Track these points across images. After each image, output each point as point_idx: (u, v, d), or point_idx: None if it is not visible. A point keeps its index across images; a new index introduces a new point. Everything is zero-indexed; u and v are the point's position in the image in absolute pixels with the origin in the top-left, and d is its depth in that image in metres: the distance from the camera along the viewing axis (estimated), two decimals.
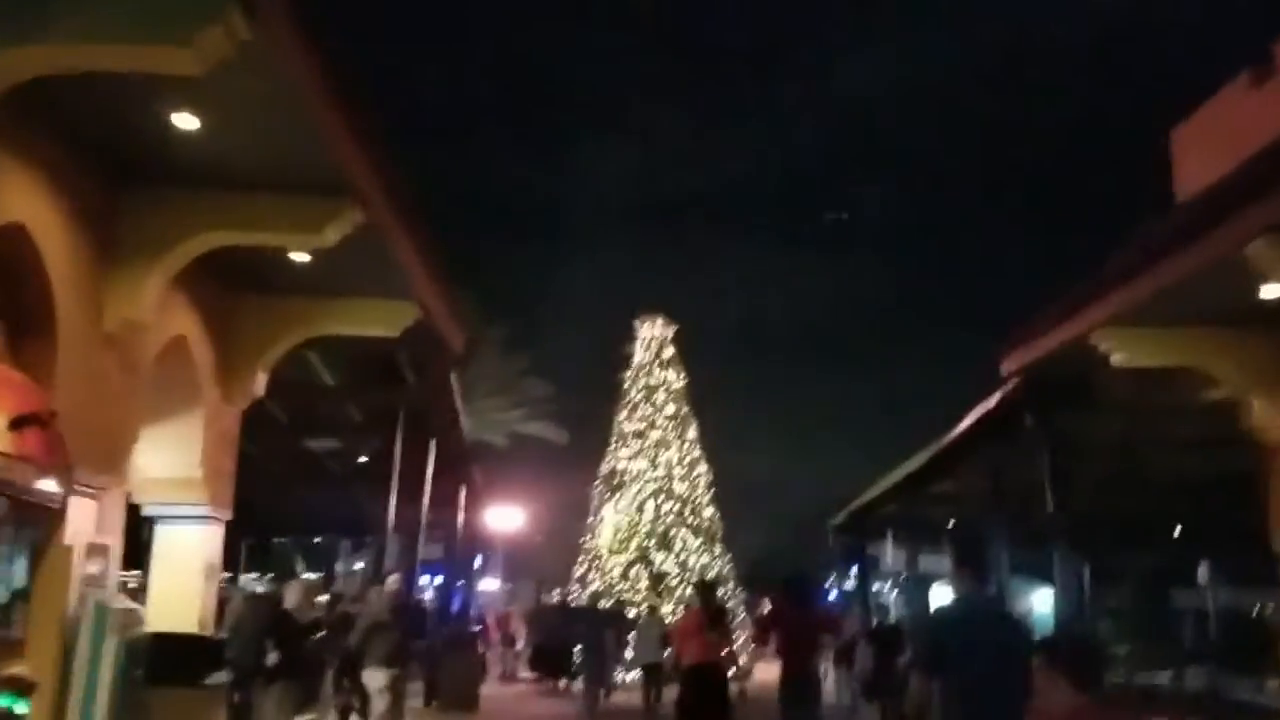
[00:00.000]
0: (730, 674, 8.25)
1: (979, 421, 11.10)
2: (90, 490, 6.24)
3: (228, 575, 21.34)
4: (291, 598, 9.21)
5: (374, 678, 8.07)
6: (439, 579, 19.16)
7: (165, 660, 6.54)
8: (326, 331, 8.75)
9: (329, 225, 6.45)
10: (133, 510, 8.19)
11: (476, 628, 16.58)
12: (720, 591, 20.44)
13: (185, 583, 8.11)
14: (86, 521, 6.26)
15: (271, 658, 8.83)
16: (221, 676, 7.25)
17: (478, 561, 25.30)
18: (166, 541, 8.17)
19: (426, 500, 12.19)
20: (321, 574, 21.76)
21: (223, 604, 10.90)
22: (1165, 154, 9.36)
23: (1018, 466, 12.09)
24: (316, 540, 28.01)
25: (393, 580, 8.49)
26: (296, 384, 10.94)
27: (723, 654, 7.92)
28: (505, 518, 29.75)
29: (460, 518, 15.31)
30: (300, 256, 7.58)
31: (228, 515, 8.62)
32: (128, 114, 5.62)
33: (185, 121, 5.55)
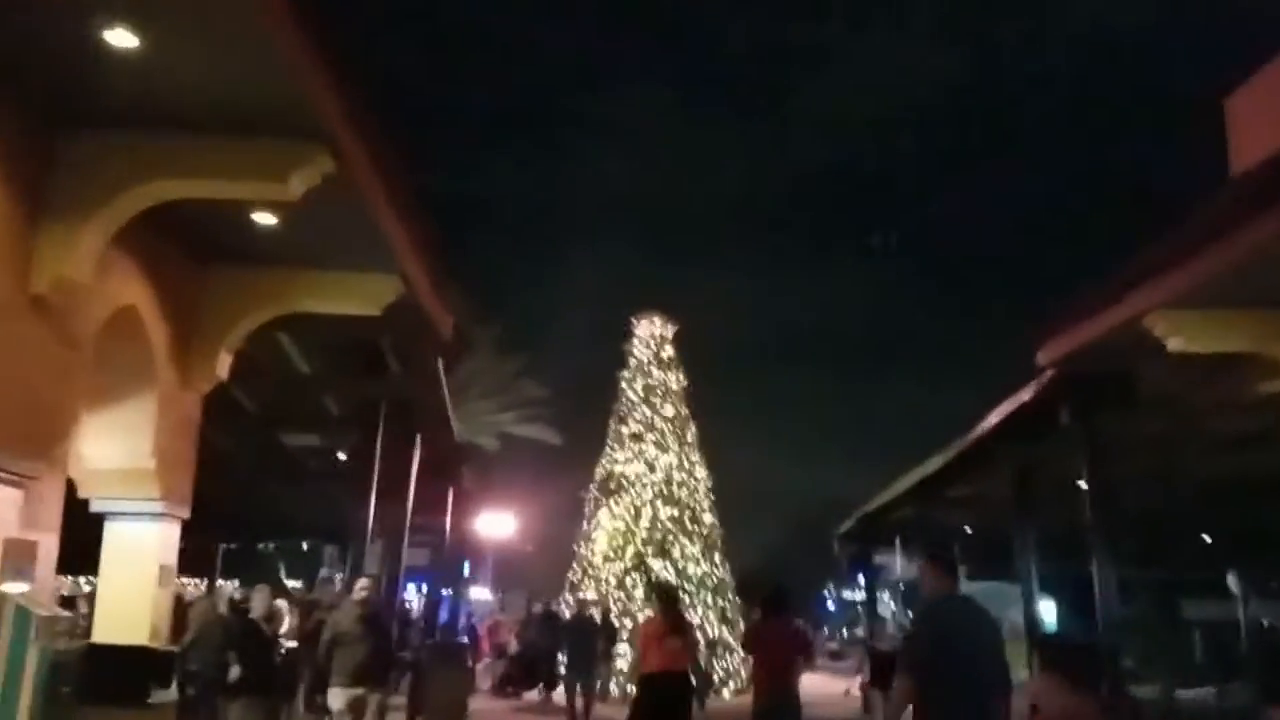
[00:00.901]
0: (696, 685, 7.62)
1: (1007, 419, 10.28)
2: (13, 477, 5.37)
3: (199, 582, 20.51)
4: (257, 605, 8.33)
5: (334, 697, 7.13)
6: (425, 587, 18.15)
7: (102, 675, 5.67)
8: (298, 308, 7.89)
9: (294, 174, 5.60)
10: (83, 506, 7.37)
11: (464, 639, 15.63)
12: (716, 600, 19.64)
13: (136, 587, 7.22)
14: (8, 513, 5.38)
15: (234, 672, 7.95)
16: (170, 694, 6.36)
17: (466, 569, 24.32)
18: (116, 540, 7.29)
19: (410, 502, 11.31)
20: (300, 582, 20.90)
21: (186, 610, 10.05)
22: (1219, 124, 8.56)
23: (1047, 467, 11.30)
24: (303, 546, 27.10)
25: (362, 587, 7.53)
26: (269, 373, 10.09)
27: (686, 662, 7.47)
28: (496, 524, 28.90)
29: (448, 522, 14.41)
30: (265, 218, 6.75)
31: (185, 513, 7.74)
32: (53, 32, 4.77)
33: (121, 39, 4.70)
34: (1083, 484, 12.32)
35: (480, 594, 35.06)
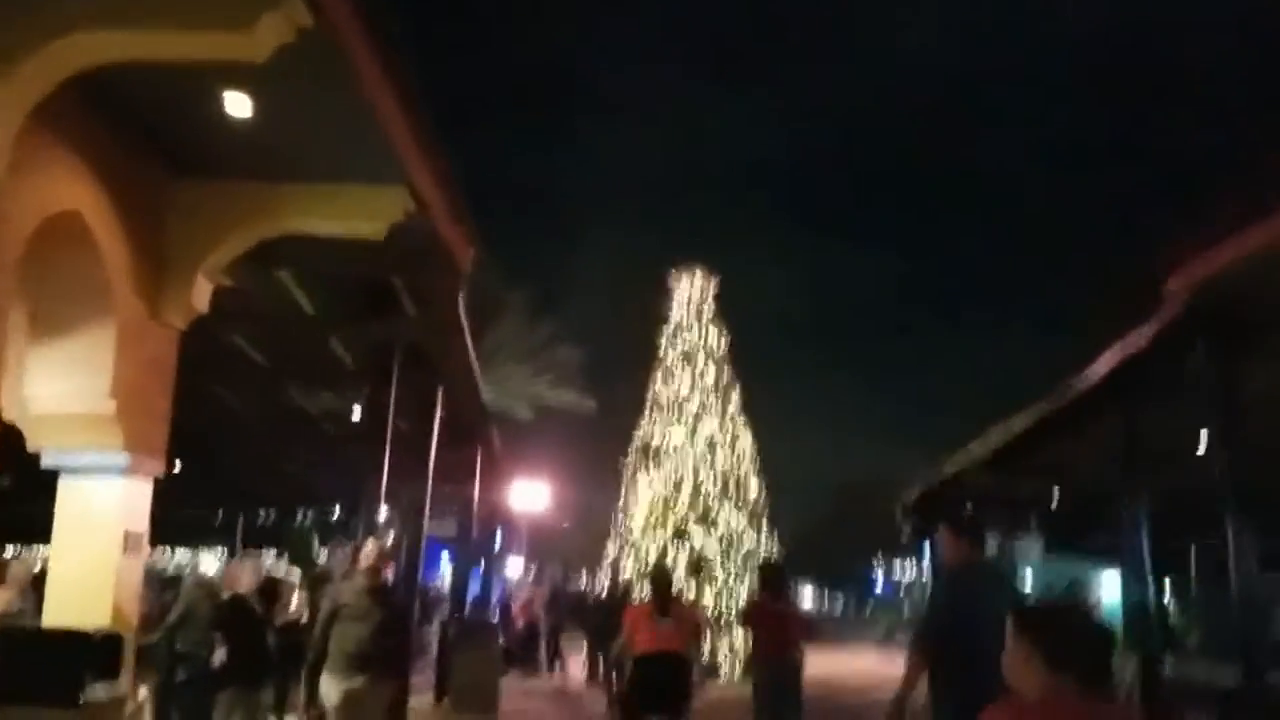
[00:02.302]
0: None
1: (1120, 366, 8.83)
2: None
3: (222, 554, 19.58)
4: (245, 579, 7.13)
5: (327, 687, 5.81)
6: (453, 560, 16.99)
7: (20, 668, 4.44)
8: (289, 229, 6.61)
9: (262, 20, 4.29)
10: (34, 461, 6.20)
11: (496, 615, 14.47)
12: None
13: (96, 558, 6.00)
14: None
15: (219, 656, 6.77)
16: (118, 688, 5.14)
17: (498, 540, 23.17)
18: (70, 501, 6.07)
19: (432, 464, 10.07)
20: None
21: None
22: None
23: (1164, 426, 9.83)
24: (335, 516, 26.13)
25: (369, 553, 6.21)
26: (270, 316, 8.86)
27: (678, 644, 7.26)
28: (530, 494, 27.80)
29: (476, 489, 13.20)
30: (238, 104, 5.46)
31: (158, 468, 6.51)
32: None
33: None
34: (1204, 444, 10.87)
35: (515, 567, 34.10)
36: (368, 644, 5.79)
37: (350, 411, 11.23)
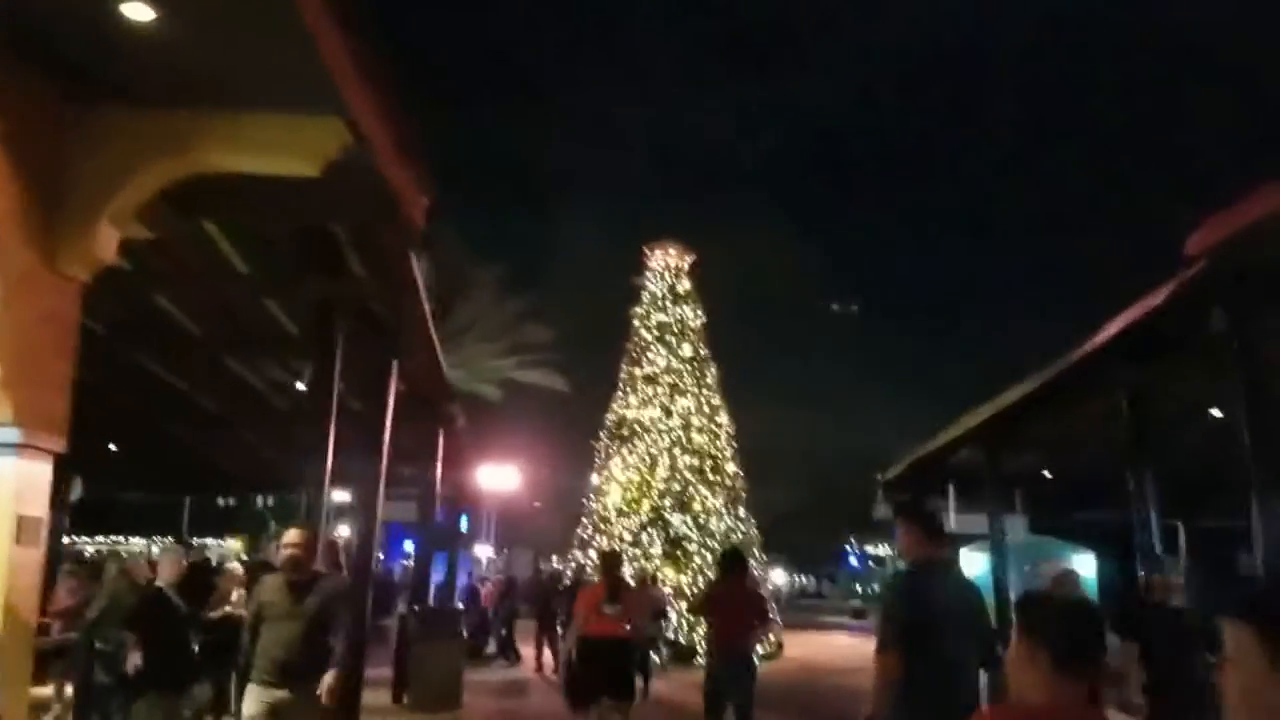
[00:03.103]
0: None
1: (1128, 329, 8.18)
2: None
3: (167, 541, 18.59)
4: (165, 570, 6.29)
5: (249, 702, 4.98)
6: (416, 546, 16.15)
7: None
8: (208, 164, 5.73)
9: None
10: None
11: (461, 603, 13.67)
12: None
13: None
14: None
15: (134, 660, 5.95)
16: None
17: (464, 524, 22.33)
18: None
19: (388, 441, 9.25)
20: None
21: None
22: None
23: (1173, 394, 9.23)
24: (302, 499, 25.14)
25: (288, 543, 5.36)
26: (200, 275, 8.00)
27: (624, 628, 7.52)
28: (499, 476, 26.98)
29: (438, 470, 12.39)
30: (138, 12, 4.60)
31: (59, 445, 5.65)
32: None
33: None
34: (1216, 413, 10.27)
35: (484, 552, 33.32)
36: (289, 649, 4.98)
37: (299, 384, 10.40)
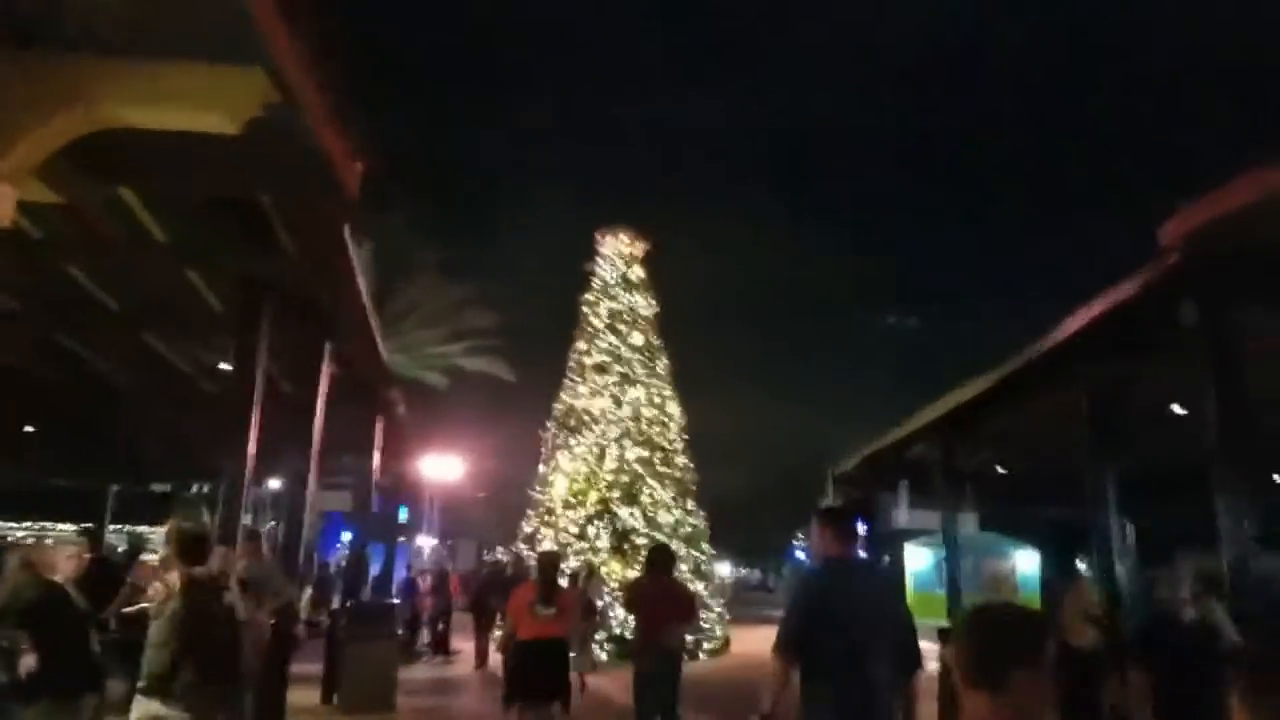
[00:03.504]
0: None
1: (1094, 323, 7.94)
2: None
3: (85, 527, 17.70)
4: (62, 565, 5.72)
5: (135, 708, 4.47)
6: (352, 538, 15.52)
7: None
8: (117, 120, 5.14)
9: None
10: None
11: (397, 598, 13.09)
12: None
13: None
14: None
15: (27, 663, 5.39)
16: None
17: (403, 516, 21.68)
18: None
19: (319, 427, 8.70)
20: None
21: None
22: None
23: (1137, 389, 9.02)
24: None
25: (173, 531, 4.83)
26: (115, 244, 7.37)
27: (559, 630, 7.44)
28: (442, 467, 26.37)
29: (376, 460, 11.83)
30: None
31: None
32: None
33: None
34: (1177, 410, 10.11)
35: (427, 543, 32.67)
36: (173, 661, 4.47)
37: (225, 366, 9.76)
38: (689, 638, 16.13)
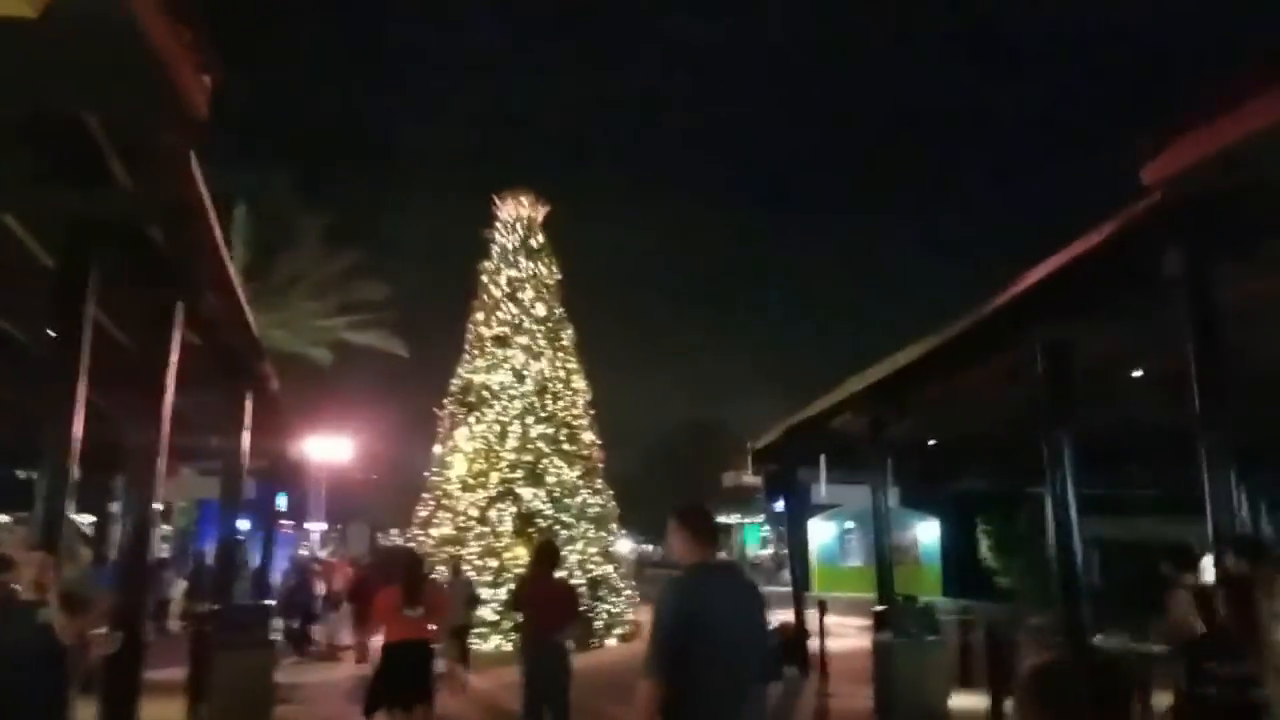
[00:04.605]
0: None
1: (1053, 277, 7.21)
2: None
3: None
4: None
5: None
6: (218, 528, 13.88)
7: None
8: None
9: None
10: None
11: (274, 598, 11.68)
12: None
13: None
14: None
15: None
16: None
17: (280, 502, 20.03)
18: None
19: (168, 403, 7.33)
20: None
21: None
22: None
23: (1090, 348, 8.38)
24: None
25: None
26: None
27: (426, 631, 7.41)
28: (330, 448, 24.73)
29: (245, 440, 10.41)
30: None
31: None
32: None
33: None
34: (1137, 373, 9.56)
35: (318, 529, 30.91)
36: None
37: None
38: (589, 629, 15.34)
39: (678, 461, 44.11)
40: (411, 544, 15.80)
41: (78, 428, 5.85)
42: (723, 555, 4.79)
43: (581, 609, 8.87)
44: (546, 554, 7.69)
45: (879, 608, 10.20)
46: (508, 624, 14.60)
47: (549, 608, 7.32)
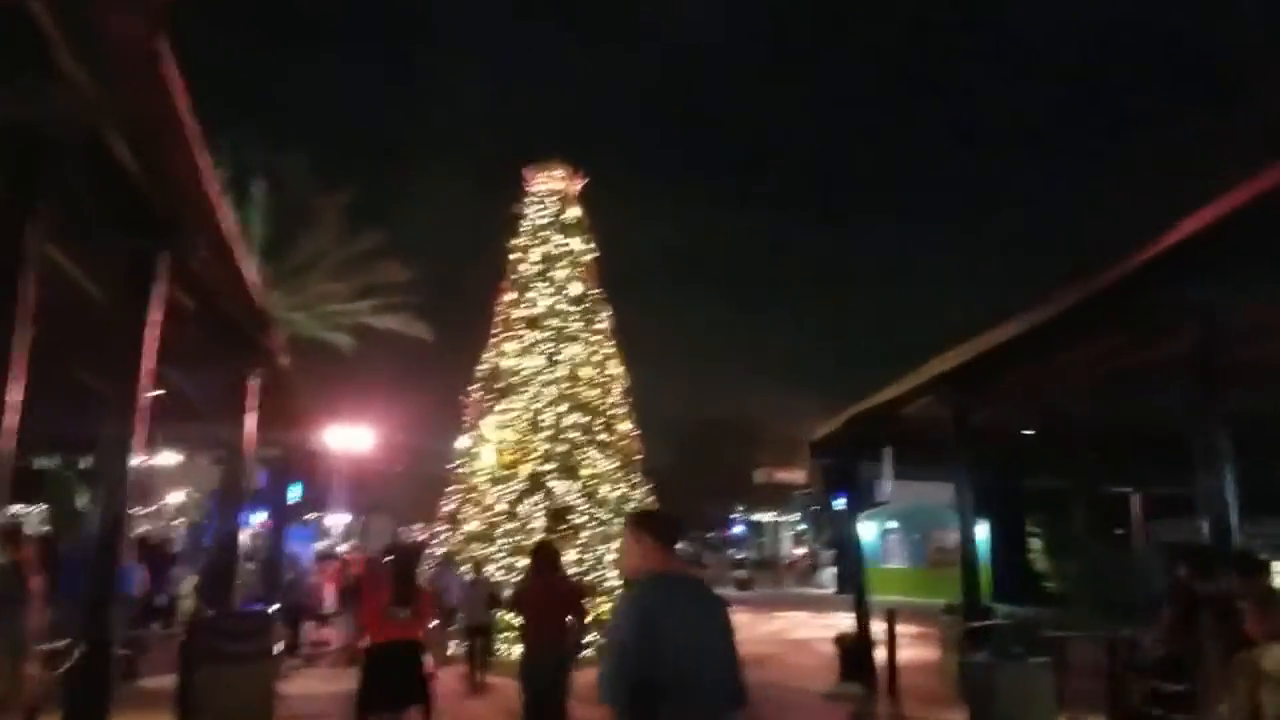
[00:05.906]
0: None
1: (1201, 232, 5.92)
2: None
3: None
4: None
5: None
6: (210, 525, 12.69)
7: None
8: None
9: None
10: None
11: (274, 606, 10.43)
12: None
13: None
14: None
15: None
16: None
17: (294, 494, 18.85)
18: None
19: (146, 374, 6.16)
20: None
21: None
22: None
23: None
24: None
25: None
26: None
27: (415, 632, 7.03)
28: (351, 437, 23.67)
29: (250, 425, 9.24)
30: None
31: None
32: None
33: None
34: None
35: (338, 521, 29.96)
36: None
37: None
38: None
39: (708, 457, 42.76)
40: (414, 540, 14.62)
41: (14, 395, 4.65)
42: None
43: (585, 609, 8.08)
44: (544, 557, 7.51)
45: (974, 624, 8.87)
46: None
47: (549, 608, 7.17)
